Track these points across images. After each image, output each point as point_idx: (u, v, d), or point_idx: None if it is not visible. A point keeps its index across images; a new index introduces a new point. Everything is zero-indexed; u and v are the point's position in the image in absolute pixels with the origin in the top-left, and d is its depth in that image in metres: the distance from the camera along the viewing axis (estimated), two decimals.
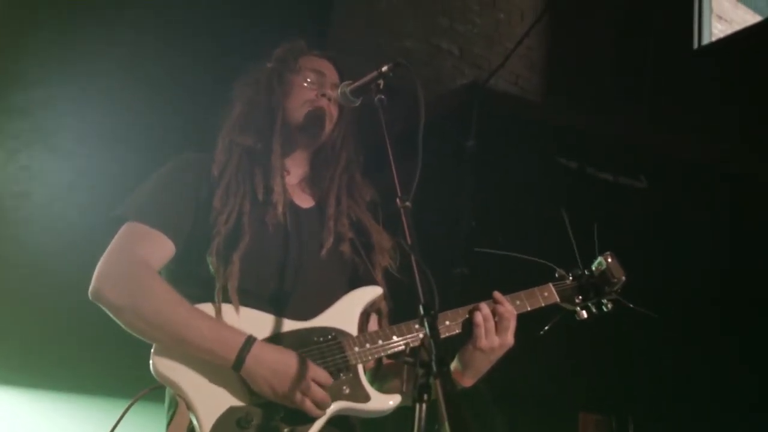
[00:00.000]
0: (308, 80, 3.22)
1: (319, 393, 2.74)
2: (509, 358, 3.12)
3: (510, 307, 3.03)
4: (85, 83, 5.51)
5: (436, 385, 2.14)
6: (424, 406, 2.14)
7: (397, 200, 2.58)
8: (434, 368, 2.16)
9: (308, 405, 2.72)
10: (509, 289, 3.14)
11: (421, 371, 2.18)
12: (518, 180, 6.15)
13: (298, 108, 3.18)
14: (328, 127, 3.21)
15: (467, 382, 3.04)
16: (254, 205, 2.98)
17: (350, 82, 3.00)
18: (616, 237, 3.33)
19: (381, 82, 2.83)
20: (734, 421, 5.93)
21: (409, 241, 2.48)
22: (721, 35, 8.40)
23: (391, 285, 3.16)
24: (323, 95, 3.19)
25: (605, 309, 3.23)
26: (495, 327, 2.97)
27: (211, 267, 2.87)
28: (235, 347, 2.72)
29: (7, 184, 5.46)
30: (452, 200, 5.77)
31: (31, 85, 5.44)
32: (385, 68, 2.83)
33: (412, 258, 2.42)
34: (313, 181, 3.28)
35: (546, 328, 3.19)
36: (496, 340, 2.97)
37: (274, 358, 2.73)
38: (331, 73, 3.27)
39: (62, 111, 5.46)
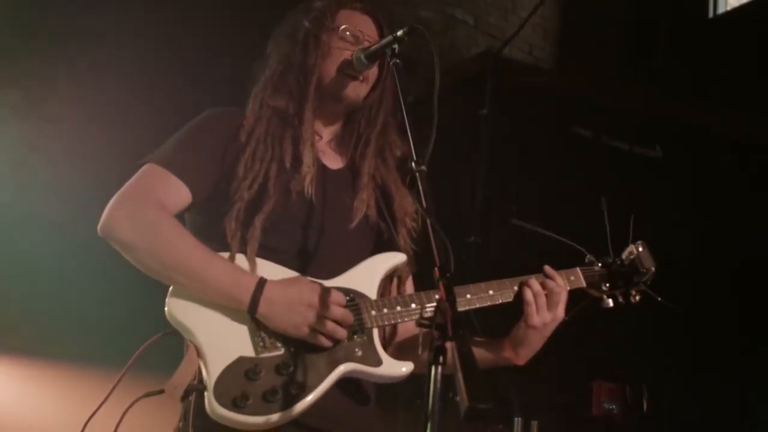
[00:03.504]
0: (345, 40, 3.10)
1: (338, 311, 2.72)
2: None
3: (561, 281, 3.00)
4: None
5: (452, 347, 2.13)
6: (439, 368, 2.14)
7: (413, 164, 2.58)
8: (450, 330, 2.16)
9: (330, 326, 2.71)
10: (524, 258, 3.12)
11: (436, 333, 2.18)
12: (532, 149, 6.13)
13: (334, 72, 3.07)
14: (364, 89, 3.12)
15: (521, 360, 3.04)
16: (281, 170, 2.93)
17: (365, 46, 2.99)
18: (629, 207, 3.30)
19: (396, 46, 2.82)
20: (749, 389, 5.94)
21: (424, 205, 2.48)
22: (737, 4, 8.34)
23: (417, 249, 3.12)
24: None
25: (632, 300, 3.18)
26: (546, 302, 2.95)
27: (228, 232, 2.83)
28: (249, 290, 2.69)
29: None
30: (466, 169, 5.76)
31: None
32: (400, 33, 2.80)
33: (428, 221, 2.42)
34: (344, 139, 3.21)
35: (571, 313, 3.15)
36: (547, 316, 2.95)
37: (286, 292, 2.71)
38: (369, 30, 3.15)
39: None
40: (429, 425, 2.09)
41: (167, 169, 2.87)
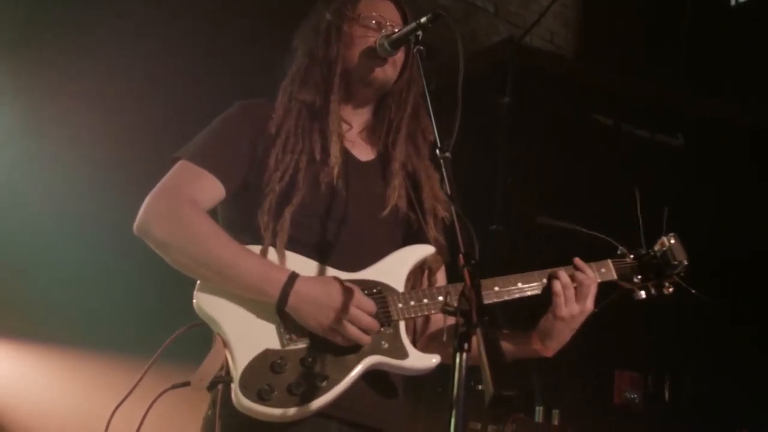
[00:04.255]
0: (368, 27, 3.07)
1: (365, 319, 2.72)
2: (544, 314, 3.09)
3: (591, 274, 2.98)
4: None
5: (477, 334, 2.12)
6: (464, 355, 2.13)
7: (437, 151, 2.57)
8: (475, 317, 2.15)
9: (354, 332, 2.70)
10: (546, 247, 3.11)
11: (461, 320, 2.17)
12: (553, 136, 6.12)
13: (359, 60, 3.05)
14: (392, 72, 3.09)
15: (549, 352, 3.02)
16: (311, 162, 2.93)
17: (389, 33, 2.98)
18: (649, 196, 3.28)
19: (420, 33, 2.81)
20: None
21: (449, 192, 2.48)
22: None
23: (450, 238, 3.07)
24: None
25: (666, 292, 3.14)
26: (575, 294, 2.94)
27: (261, 224, 2.85)
28: (279, 284, 2.70)
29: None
30: (487, 157, 5.75)
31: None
32: (424, 20, 2.79)
33: (452, 208, 2.42)
34: (375, 128, 3.20)
35: (602, 304, 3.13)
36: (576, 308, 2.93)
37: (317, 291, 2.72)
38: (392, 15, 3.12)
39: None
40: (454, 412, 2.09)
41: (199, 165, 2.89)
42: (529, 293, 2.98)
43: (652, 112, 6.44)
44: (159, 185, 2.88)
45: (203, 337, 2.83)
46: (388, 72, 3.08)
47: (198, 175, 2.88)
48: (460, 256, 2.32)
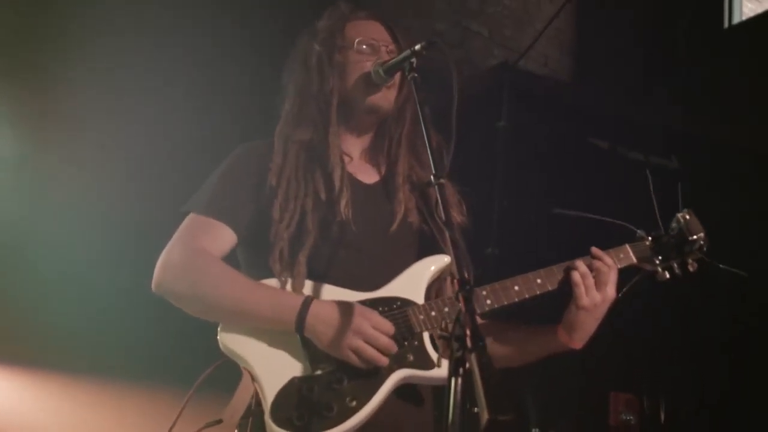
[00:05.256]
0: (362, 52, 3.10)
1: (382, 339, 2.74)
2: None
3: (609, 260, 3.01)
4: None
5: (472, 359, 2.14)
6: (459, 380, 2.15)
7: (432, 177, 2.60)
8: (469, 343, 2.17)
9: (371, 353, 2.72)
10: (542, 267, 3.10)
11: (456, 345, 2.19)
12: (549, 160, 6.14)
13: (356, 87, 3.08)
14: (392, 95, 3.13)
15: (577, 344, 3.04)
16: (317, 204, 2.96)
17: (383, 60, 3.00)
18: (645, 217, 3.30)
19: (414, 60, 2.84)
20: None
21: (443, 217, 2.51)
22: (752, 14, 8.33)
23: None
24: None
25: (690, 269, 3.16)
26: (594, 283, 2.96)
27: (274, 273, 2.89)
28: (294, 310, 2.74)
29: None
30: (483, 181, 5.77)
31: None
32: (418, 47, 2.83)
33: (446, 234, 2.44)
34: (376, 149, 3.22)
35: (624, 289, 3.14)
36: (597, 297, 2.95)
37: (333, 313, 2.74)
38: (382, 36, 3.15)
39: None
40: None
41: (207, 215, 2.96)
42: (549, 288, 2.99)
43: (647, 134, 6.46)
44: (171, 241, 2.94)
45: (223, 373, 2.90)
46: (389, 96, 3.11)
47: (207, 225, 2.95)
48: (455, 281, 2.34)
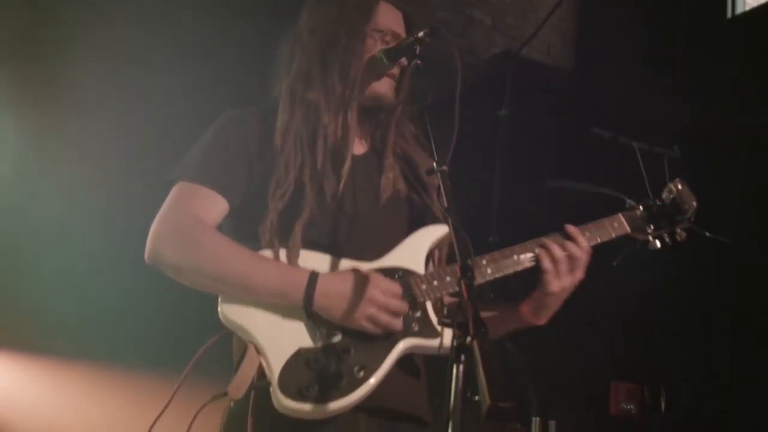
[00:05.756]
0: (383, 44, 3.05)
1: (393, 303, 2.73)
2: (541, 328, 3.10)
3: (584, 244, 2.97)
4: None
5: (474, 346, 2.14)
6: (461, 366, 2.15)
7: (434, 164, 2.60)
8: (471, 330, 2.17)
9: (385, 318, 2.71)
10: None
11: (457, 332, 2.19)
12: (551, 149, 6.13)
13: (368, 70, 3.03)
14: (390, 87, 3.09)
15: (541, 321, 3.02)
16: (314, 174, 2.91)
17: (387, 47, 2.99)
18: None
19: (417, 47, 2.83)
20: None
21: (446, 205, 2.50)
22: (755, 4, 8.31)
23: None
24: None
25: (679, 239, 3.17)
26: (567, 268, 2.92)
27: (262, 240, 2.84)
28: (301, 286, 2.70)
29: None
30: (484, 169, 5.77)
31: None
32: (421, 34, 2.81)
33: (449, 221, 2.44)
34: (364, 124, 3.16)
35: (618, 260, 3.14)
36: (567, 281, 2.93)
37: (341, 285, 2.72)
38: (400, 27, 3.11)
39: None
40: (451, 423, 2.11)
41: (198, 183, 2.89)
42: (524, 267, 2.96)
43: (650, 124, 6.45)
44: (161, 211, 2.86)
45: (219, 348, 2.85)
46: (389, 84, 3.09)
47: (199, 193, 2.88)
48: (457, 269, 2.34)
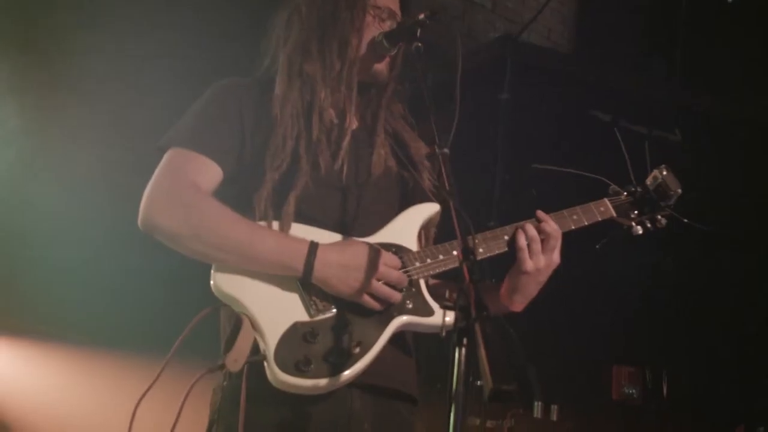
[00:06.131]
0: (380, 21, 3.03)
1: (394, 274, 2.73)
2: (542, 308, 3.10)
3: (555, 225, 2.96)
4: None
5: (476, 329, 2.13)
6: (463, 350, 2.14)
7: (435, 147, 2.58)
8: (473, 313, 2.16)
9: (385, 289, 2.71)
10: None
11: (459, 315, 2.17)
12: (552, 133, 6.12)
13: (366, 47, 3.01)
14: (386, 66, 3.07)
15: (517, 306, 3.00)
16: (309, 145, 2.89)
17: (387, 30, 2.97)
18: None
19: (418, 30, 2.81)
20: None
21: (447, 187, 2.49)
22: None
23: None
24: None
25: (659, 225, 3.18)
26: (541, 247, 2.93)
27: (257, 212, 2.81)
28: (302, 255, 2.68)
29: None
30: (485, 153, 5.76)
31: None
32: (421, 16, 2.80)
33: (451, 204, 2.43)
34: (356, 100, 3.11)
35: (603, 241, 3.15)
36: (542, 261, 2.92)
37: (342, 255, 2.71)
38: (397, 8, 3.09)
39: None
40: (453, 407, 2.09)
41: (192, 149, 2.83)
42: (497, 252, 2.96)
43: (650, 107, 6.44)
44: (154, 177, 2.81)
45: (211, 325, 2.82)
46: (385, 68, 3.07)
47: (193, 159, 2.83)
48: (459, 251, 2.33)
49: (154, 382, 2.69)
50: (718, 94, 6.63)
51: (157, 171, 2.83)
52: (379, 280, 2.72)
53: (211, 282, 2.74)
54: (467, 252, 2.30)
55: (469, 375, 2.13)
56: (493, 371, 2.03)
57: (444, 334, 2.76)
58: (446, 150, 2.57)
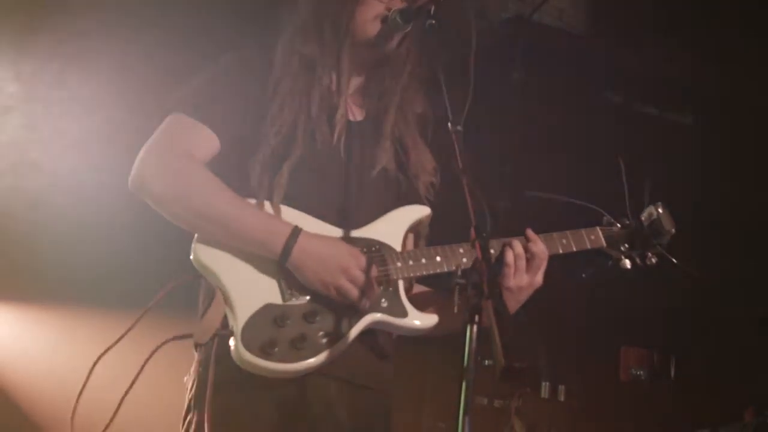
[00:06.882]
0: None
1: (361, 280, 2.73)
2: (550, 290, 3.10)
3: (543, 247, 2.93)
4: None
5: (487, 306, 2.14)
6: (475, 327, 2.15)
7: (449, 125, 2.58)
8: (485, 290, 2.17)
9: (354, 293, 2.72)
10: (550, 224, 3.09)
11: (472, 292, 2.18)
12: (563, 113, 6.12)
13: (368, 23, 2.97)
14: (396, 40, 3.02)
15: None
16: (308, 120, 2.90)
17: (401, 7, 2.96)
18: (659, 173, 3.28)
19: (432, 7, 2.80)
20: None
21: (460, 165, 2.49)
22: None
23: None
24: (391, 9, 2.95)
25: (649, 262, 3.13)
26: (526, 266, 2.89)
27: (253, 177, 2.82)
28: (282, 238, 2.69)
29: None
30: (496, 133, 5.76)
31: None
32: None
33: (464, 181, 2.43)
34: (367, 91, 3.15)
35: (591, 271, 3.13)
36: (524, 279, 2.89)
37: (322, 248, 2.73)
38: None
39: None
40: (464, 383, 2.10)
41: (193, 117, 2.84)
42: (445, 269, 2.91)
43: (662, 89, 6.43)
44: (152, 139, 2.83)
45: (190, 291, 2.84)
46: (393, 42, 3.03)
47: (192, 127, 2.84)
48: (472, 229, 2.33)
49: (117, 341, 2.70)
50: (732, 76, 6.61)
51: (155, 133, 2.85)
52: (351, 281, 2.72)
53: (192, 253, 2.76)
54: (480, 230, 2.31)
55: (477, 354, 2.14)
56: (505, 349, 2.04)
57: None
58: (459, 128, 2.57)
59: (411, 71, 3.12)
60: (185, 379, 2.91)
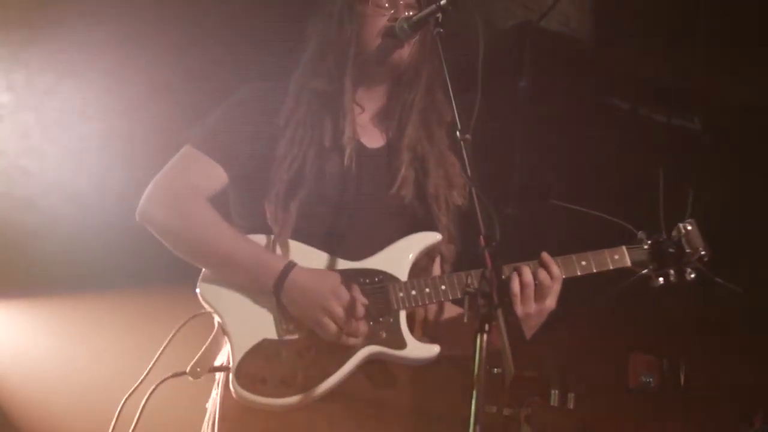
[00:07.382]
0: (380, 6, 3.03)
1: (349, 322, 2.74)
2: (560, 299, 3.08)
3: (556, 272, 2.92)
4: None
5: (497, 315, 2.14)
6: (485, 336, 2.15)
7: (457, 133, 2.58)
8: (495, 299, 2.17)
9: (334, 332, 2.73)
10: (557, 234, 3.08)
11: (482, 301, 2.20)
12: (570, 120, 6.10)
13: (373, 39, 3.01)
14: (406, 51, 3.04)
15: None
16: (319, 153, 2.93)
17: (408, 15, 2.96)
18: (668, 180, 3.25)
19: (440, 15, 2.80)
20: None
21: (469, 174, 2.49)
22: None
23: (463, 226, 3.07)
24: (397, 20, 2.97)
25: (687, 278, 3.08)
26: (534, 293, 2.88)
27: (268, 215, 2.88)
28: (275, 272, 2.75)
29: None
30: (504, 140, 5.75)
31: None
32: (443, 1, 2.79)
33: (472, 190, 2.43)
34: (388, 113, 3.15)
35: (618, 289, 3.10)
36: (532, 307, 2.88)
37: (311, 283, 2.76)
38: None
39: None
40: (475, 392, 2.10)
41: (202, 151, 2.94)
42: (450, 297, 2.92)
43: (669, 95, 6.41)
44: (163, 171, 2.94)
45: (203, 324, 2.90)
46: (402, 53, 3.04)
47: (200, 161, 2.93)
48: (481, 237, 2.33)
49: (140, 383, 2.82)
50: (740, 82, 6.59)
51: (168, 165, 2.97)
52: (332, 318, 2.72)
53: (197, 290, 2.85)
54: (489, 239, 2.31)
55: (486, 363, 2.14)
56: (515, 358, 2.04)
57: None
58: (468, 136, 2.57)
59: (429, 77, 3.12)
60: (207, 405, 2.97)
